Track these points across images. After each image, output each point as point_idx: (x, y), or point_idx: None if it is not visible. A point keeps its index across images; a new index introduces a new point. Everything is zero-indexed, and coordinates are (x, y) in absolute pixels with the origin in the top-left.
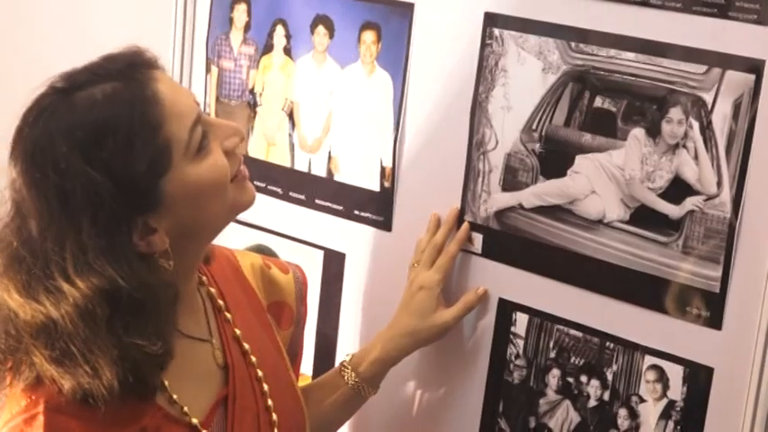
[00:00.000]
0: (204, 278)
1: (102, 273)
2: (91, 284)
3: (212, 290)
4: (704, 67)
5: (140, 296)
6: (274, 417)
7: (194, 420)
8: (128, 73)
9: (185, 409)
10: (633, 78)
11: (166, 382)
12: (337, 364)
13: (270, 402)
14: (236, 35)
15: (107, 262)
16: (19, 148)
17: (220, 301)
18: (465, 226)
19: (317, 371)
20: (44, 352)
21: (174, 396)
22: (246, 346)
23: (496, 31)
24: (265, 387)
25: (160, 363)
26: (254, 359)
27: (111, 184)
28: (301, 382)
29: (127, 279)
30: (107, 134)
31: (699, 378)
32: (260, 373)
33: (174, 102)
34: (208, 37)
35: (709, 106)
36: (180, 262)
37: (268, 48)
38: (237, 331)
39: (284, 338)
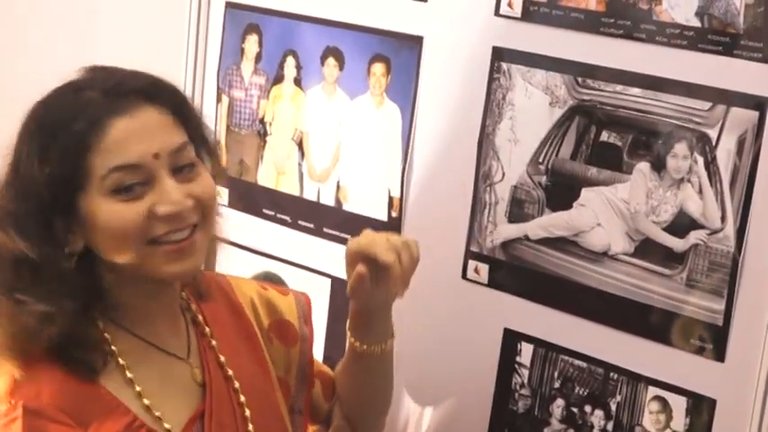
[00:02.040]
0: (192, 305)
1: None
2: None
3: (199, 316)
4: (709, 104)
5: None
6: None
7: (172, 429)
8: (119, 93)
9: (159, 414)
10: (639, 114)
11: (139, 388)
12: None
13: (250, 427)
14: (248, 65)
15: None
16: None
17: (206, 328)
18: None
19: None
20: None
21: (148, 402)
22: (230, 371)
23: (504, 66)
24: (247, 412)
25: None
26: (237, 384)
27: (43, 172)
28: None
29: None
30: (50, 128)
31: (702, 410)
32: (242, 398)
33: (116, 140)
34: (219, 67)
35: (714, 142)
36: (121, 276)
37: (279, 78)
38: (222, 357)
39: (293, 356)
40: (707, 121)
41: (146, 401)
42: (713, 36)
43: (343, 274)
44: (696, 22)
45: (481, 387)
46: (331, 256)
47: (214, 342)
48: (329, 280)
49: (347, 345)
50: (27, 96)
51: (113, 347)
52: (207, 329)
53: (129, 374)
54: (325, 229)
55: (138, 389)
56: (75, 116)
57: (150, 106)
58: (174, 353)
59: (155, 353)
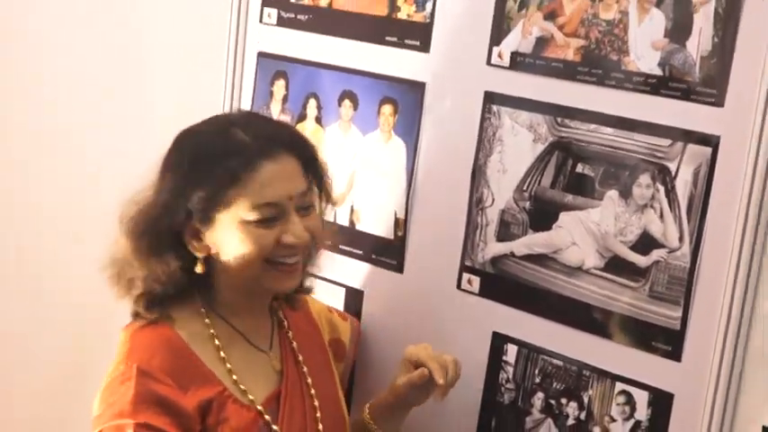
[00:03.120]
0: (280, 311)
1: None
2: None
3: (285, 321)
4: (669, 141)
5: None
6: (320, 425)
7: (253, 400)
8: (270, 140)
9: (246, 390)
10: (609, 149)
11: (230, 366)
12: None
13: (318, 414)
14: (276, 106)
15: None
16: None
17: (289, 331)
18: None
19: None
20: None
21: (236, 378)
22: (305, 368)
23: (494, 107)
24: (316, 402)
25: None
26: (309, 379)
27: (193, 194)
28: None
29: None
30: (205, 160)
31: (661, 402)
32: (312, 390)
33: (264, 180)
34: (252, 107)
35: (673, 174)
36: (231, 279)
37: (302, 117)
38: (300, 356)
39: (338, 370)
40: (667, 155)
41: (234, 377)
42: (673, 83)
43: (356, 285)
44: (659, 71)
45: (473, 381)
46: (345, 269)
47: (295, 343)
48: (344, 289)
49: (363, 420)
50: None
51: (211, 330)
52: (290, 332)
53: (222, 354)
54: (340, 246)
55: (228, 366)
56: (231, 154)
57: (290, 154)
58: (258, 345)
59: (243, 341)
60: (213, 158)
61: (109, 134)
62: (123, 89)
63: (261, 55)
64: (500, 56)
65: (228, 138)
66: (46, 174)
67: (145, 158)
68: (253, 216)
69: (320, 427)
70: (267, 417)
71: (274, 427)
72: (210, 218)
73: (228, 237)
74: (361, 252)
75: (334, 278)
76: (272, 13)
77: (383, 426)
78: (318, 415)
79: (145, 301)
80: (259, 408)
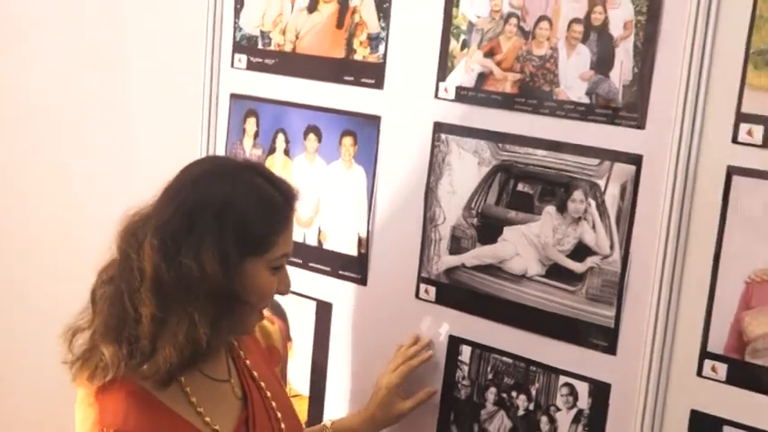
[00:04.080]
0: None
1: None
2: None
3: (234, 343)
4: (598, 161)
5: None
6: None
7: None
8: (292, 198)
9: (217, 427)
10: (546, 169)
11: (200, 409)
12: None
13: (282, 425)
14: (248, 141)
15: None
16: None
17: (241, 352)
18: (429, 354)
19: (312, 389)
20: None
21: (208, 419)
22: (262, 383)
23: (443, 136)
24: (279, 414)
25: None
26: (269, 393)
27: (232, 233)
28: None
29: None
30: (244, 217)
31: (600, 392)
32: (273, 403)
33: (288, 234)
34: (227, 142)
35: (603, 189)
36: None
37: (272, 150)
38: (255, 373)
39: (278, 373)
40: (597, 173)
41: (204, 417)
42: (599, 110)
43: (325, 298)
44: (586, 100)
45: (432, 380)
46: (315, 284)
47: (248, 361)
48: (314, 302)
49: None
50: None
51: (182, 379)
52: (242, 352)
53: (192, 399)
54: (310, 264)
55: (196, 407)
56: (270, 213)
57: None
58: (218, 378)
59: (203, 378)
60: (253, 217)
61: (94, 172)
62: (108, 129)
63: (233, 96)
64: (446, 90)
65: (268, 198)
66: (30, 214)
67: (130, 195)
68: (274, 263)
69: None
70: None
71: None
72: (242, 264)
73: (254, 280)
74: (328, 268)
75: (305, 293)
76: (242, 59)
77: None
78: (283, 427)
79: (120, 360)
80: None
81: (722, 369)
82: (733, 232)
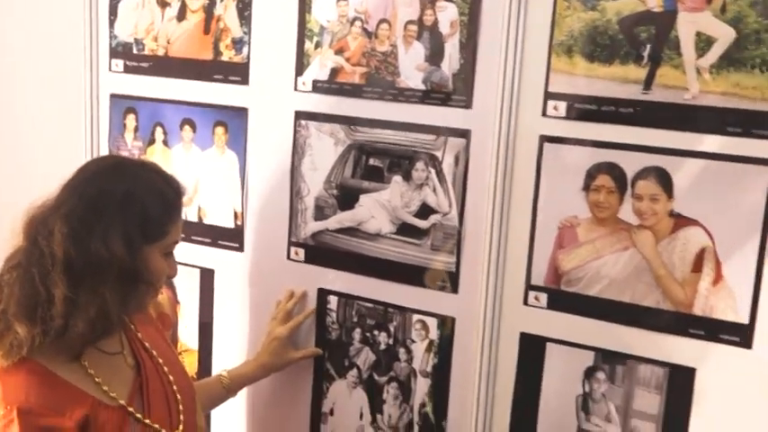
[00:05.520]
0: None
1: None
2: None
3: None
4: (435, 136)
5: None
6: (178, 396)
7: (121, 401)
8: (182, 194)
9: (113, 394)
10: (392, 145)
11: (98, 379)
12: (214, 372)
13: (175, 387)
14: (129, 135)
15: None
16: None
17: (132, 326)
18: (311, 309)
19: (201, 344)
20: None
21: (105, 387)
22: (154, 352)
23: (303, 122)
24: (171, 378)
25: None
26: (161, 360)
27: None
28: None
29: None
30: (141, 209)
31: (447, 324)
32: (165, 368)
33: (179, 225)
34: (110, 136)
35: (440, 159)
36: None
37: (151, 142)
38: (146, 343)
39: (168, 337)
40: (434, 146)
41: (105, 388)
42: (434, 94)
43: (208, 265)
44: (423, 87)
45: (306, 326)
46: (198, 254)
47: (140, 334)
48: (198, 270)
49: (218, 385)
50: None
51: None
52: (133, 326)
53: (90, 371)
54: (192, 237)
55: (98, 380)
56: (164, 205)
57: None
58: (114, 351)
59: (98, 353)
60: (147, 210)
61: None
62: None
63: (113, 96)
64: (303, 83)
65: (163, 193)
66: None
67: (20, 190)
68: (167, 249)
69: (179, 398)
70: (131, 409)
71: (138, 415)
72: (140, 250)
73: (149, 265)
74: (209, 240)
75: (189, 262)
76: (119, 63)
77: (236, 390)
78: (175, 388)
79: (35, 337)
80: (124, 403)
81: (543, 298)
82: (545, 188)
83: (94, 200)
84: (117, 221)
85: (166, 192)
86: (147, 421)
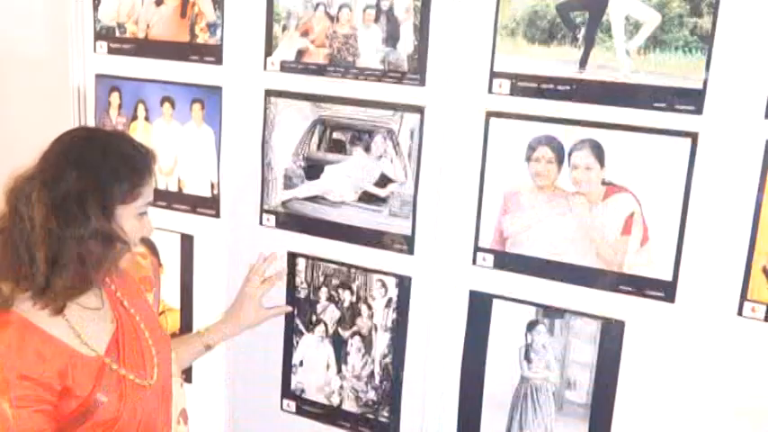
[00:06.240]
0: None
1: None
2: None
3: (107, 279)
4: (392, 112)
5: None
6: (153, 349)
7: (99, 353)
8: (153, 160)
9: (92, 346)
10: (353, 120)
11: (78, 332)
12: (195, 329)
13: (150, 341)
14: (114, 111)
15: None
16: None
17: (112, 285)
18: (281, 270)
19: (182, 304)
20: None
21: (84, 339)
22: (131, 309)
23: (272, 99)
24: (146, 333)
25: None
26: (137, 317)
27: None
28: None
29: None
30: (114, 171)
31: (405, 283)
32: (142, 324)
33: (150, 187)
34: (96, 113)
35: (397, 133)
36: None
37: (134, 118)
38: (125, 301)
39: (151, 298)
40: (392, 121)
41: (83, 339)
42: (391, 73)
43: (187, 231)
44: (381, 66)
45: (277, 286)
46: (178, 221)
47: (119, 293)
48: (179, 235)
49: (194, 341)
50: None
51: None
52: (113, 286)
53: (72, 325)
54: (173, 205)
55: (78, 333)
56: (135, 169)
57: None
58: (94, 307)
59: (79, 308)
60: (120, 172)
61: None
62: None
63: (98, 76)
64: (272, 64)
65: (134, 157)
66: None
67: (13, 163)
68: (139, 210)
69: (153, 351)
70: (108, 360)
71: (114, 366)
72: (114, 207)
73: (124, 224)
74: (188, 208)
75: (170, 228)
76: (103, 45)
77: (213, 346)
78: (150, 342)
79: (18, 294)
80: (101, 355)
81: (490, 258)
82: (492, 159)
83: (68, 167)
84: (91, 187)
85: (136, 157)
86: (123, 371)
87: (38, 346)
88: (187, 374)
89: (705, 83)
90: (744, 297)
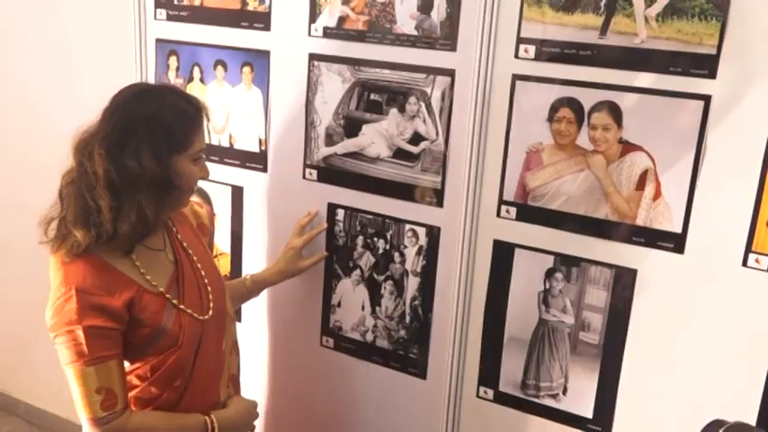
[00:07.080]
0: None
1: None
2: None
3: (169, 222)
4: (425, 75)
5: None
6: (209, 287)
7: (161, 289)
8: (202, 110)
9: (155, 283)
10: (389, 83)
11: (143, 270)
12: (243, 273)
13: (206, 280)
14: (172, 73)
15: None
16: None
17: (174, 228)
18: (323, 226)
19: (233, 249)
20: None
21: (148, 277)
22: (190, 251)
23: (315, 63)
24: (203, 272)
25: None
26: (195, 258)
27: (160, 137)
28: (222, 258)
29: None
30: (167, 124)
31: (434, 233)
32: (199, 265)
33: (202, 136)
34: (156, 75)
35: (429, 94)
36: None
37: (190, 79)
38: (185, 243)
39: (206, 243)
40: (425, 84)
41: (145, 276)
42: (425, 39)
43: (237, 183)
44: (415, 33)
45: (319, 239)
46: (230, 174)
47: (180, 235)
48: (230, 187)
49: (243, 286)
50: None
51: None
52: (175, 228)
53: (137, 263)
54: (225, 160)
55: (142, 271)
56: (186, 119)
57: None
58: (157, 248)
59: (146, 249)
60: (173, 125)
61: (52, 103)
62: (55, 66)
63: (158, 40)
64: (316, 30)
65: (186, 108)
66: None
67: (81, 120)
68: (194, 157)
69: (209, 289)
70: (169, 296)
71: (174, 302)
72: (170, 160)
73: (183, 172)
74: (238, 162)
75: (222, 180)
76: (162, 12)
77: (258, 291)
78: (206, 281)
79: (91, 240)
80: (163, 291)
81: (513, 211)
82: (517, 119)
83: (125, 122)
84: (145, 139)
85: (187, 108)
86: (182, 306)
87: (109, 282)
88: (237, 314)
89: (719, 48)
90: (749, 249)
